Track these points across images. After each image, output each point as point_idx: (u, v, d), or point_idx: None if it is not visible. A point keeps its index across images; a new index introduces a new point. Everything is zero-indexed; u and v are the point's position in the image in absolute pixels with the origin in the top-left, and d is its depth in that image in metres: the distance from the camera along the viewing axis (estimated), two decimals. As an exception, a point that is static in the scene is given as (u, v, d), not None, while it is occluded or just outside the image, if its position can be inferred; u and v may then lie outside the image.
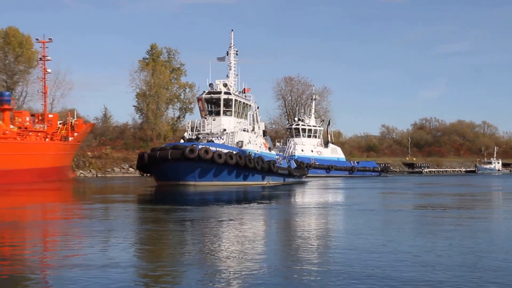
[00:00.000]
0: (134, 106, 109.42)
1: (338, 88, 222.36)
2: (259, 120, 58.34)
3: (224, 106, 52.79)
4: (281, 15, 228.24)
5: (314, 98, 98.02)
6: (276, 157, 58.14)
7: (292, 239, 15.79)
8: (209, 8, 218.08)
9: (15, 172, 56.08)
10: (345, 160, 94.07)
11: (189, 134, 52.79)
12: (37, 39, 74.07)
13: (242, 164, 47.85)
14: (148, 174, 52.45)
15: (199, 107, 55.61)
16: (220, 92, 52.89)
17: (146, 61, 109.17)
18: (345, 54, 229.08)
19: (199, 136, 51.79)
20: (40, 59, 74.17)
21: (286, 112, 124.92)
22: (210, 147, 46.82)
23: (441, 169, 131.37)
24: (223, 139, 51.31)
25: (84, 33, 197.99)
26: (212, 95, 53.26)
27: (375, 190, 45.77)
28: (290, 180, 58.98)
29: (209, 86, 54.24)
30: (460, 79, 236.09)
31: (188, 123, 54.78)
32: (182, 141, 52.04)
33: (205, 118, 53.20)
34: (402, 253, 12.92)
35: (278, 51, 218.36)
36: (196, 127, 53.14)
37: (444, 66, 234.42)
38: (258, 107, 58.72)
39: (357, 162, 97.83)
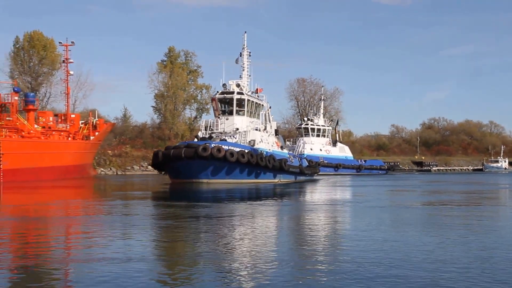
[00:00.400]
0: (153, 106, 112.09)
1: (349, 89, 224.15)
2: (271, 119, 59.05)
3: (237, 105, 53.63)
4: (293, 19, 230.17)
5: (323, 98, 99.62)
6: (288, 155, 59.08)
7: (303, 235, 15.87)
8: (224, 12, 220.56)
9: (39, 170, 58.18)
10: (352, 158, 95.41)
11: (202, 133, 53.72)
12: (60, 42, 76.14)
13: (253, 162, 48.60)
14: (163, 172, 53.37)
15: (213, 107, 56.82)
16: (233, 92, 53.81)
17: (164, 63, 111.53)
18: (356, 57, 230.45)
19: (213, 135, 52.49)
20: (63, 61, 76.19)
21: (299, 112, 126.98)
22: (223, 146, 47.59)
23: (449, 168, 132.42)
24: (235, 138, 52.07)
25: (105, 36, 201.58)
26: (225, 95, 54.16)
27: (384, 188, 45.92)
28: (302, 178, 59.63)
29: (223, 87, 55.23)
30: (467, 80, 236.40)
31: (202, 123, 56.11)
32: (195, 140, 52.91)
33: (219, 117, 54.08)
34: (414, 249, 13.06)
35: (291, 53, 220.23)
36: (210, 126, 54.15)
37: (451, 68, 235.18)
38: (270, 107, 59.63)
39: (365, 161, 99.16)
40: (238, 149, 48.16)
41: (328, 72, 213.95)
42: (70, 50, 74.34)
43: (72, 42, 74.44)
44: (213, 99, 56.47)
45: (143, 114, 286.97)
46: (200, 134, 53.91)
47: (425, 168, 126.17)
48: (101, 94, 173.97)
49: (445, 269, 10.70)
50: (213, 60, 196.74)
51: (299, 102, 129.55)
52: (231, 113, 54.01)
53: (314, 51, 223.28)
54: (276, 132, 59.98)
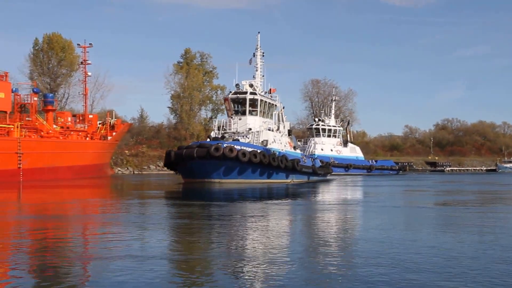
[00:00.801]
0: (169, 107, 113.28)
1: (362, 89, 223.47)
2: (284, 119, 58.81)
3: (250, 106, 53.46)
4: (308, 20, 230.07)
5: (334, 99, 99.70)
6: (301, 156, 59.07)
7: (319, 235, 15.83)
8: (239, 13, 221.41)
9: (58, 169, 59.35)
10: (363, 159, 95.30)
11: (215, 133, 53.66)
12: (78, 44, 77.23)
13: (266, 162, 48.35)
14: (176, 172, 53.44)
15: (226, 107, 56.96)
16: (246, 92, 53.73)
17: (181, 64, 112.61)
18: (370, 56, 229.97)
19: (225, 135, 52.45)
20: (81, 63, 77.41)
21: (313, 113, 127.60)
22: (235, 146, 47.51)
23: (462, 168, 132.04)
24: (248, 138, 51.93)
25: (123, 38, 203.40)
26: (238, 95, 54.05)
27: (398, 188, 46.04)
28: (315, 178, 59.33)
29: (236, 87, 55.16)
30: (481, 81, 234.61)
31: (215, 123, 56.18)
32: (208, 140, 52.99)
33: (231, 117, 54.05)
34: (428, 247, 13.21)
35: (305, 54, 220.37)
36: (223, 126, 54.11)
37: (464, 68, 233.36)
38: (283, 107, 59.39)
39: (375, 161, 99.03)
40: (250, 149, 47.99)
41: (342, 72, 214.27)
42: (88, 52, 75.58)
43: (90, 44, 75.52)
44: (226, 99, 56.42)
45: (160, 114, 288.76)
46: (213, 134, 53.95)
47: (439, 168, 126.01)
48: (118, 94, 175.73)
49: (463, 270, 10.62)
50: (228, 62, 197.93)
51: (313, 103, 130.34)
52: (244, 113, 53.91)
53: (329, 51, 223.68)
54: (289, 132, 59.80)
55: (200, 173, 47.99)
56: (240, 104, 54.52)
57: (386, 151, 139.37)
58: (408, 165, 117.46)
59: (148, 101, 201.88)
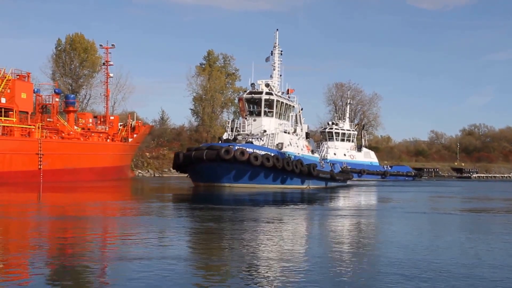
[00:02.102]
0: (191, 109, 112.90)
1: (388, 93, 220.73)
2: (302, 121, 56.27)
3: (265, 106, 50.98)
4: (333, 22, 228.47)
5: (348, 102, 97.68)
6: (319, 160, 56.70)
7: (343, 240, 15.89)
8: (264, 15, 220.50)
9: (78, 171, 59.06)
10: (378, 164, 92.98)
11: (228, 134, 51.20)
12: (101, 45, 77.14)
13: (279, 166, 45.81)
14: (187, 174, 51.35)
15: (240, 107, 54.46)
16: (261, 92, 51.14)
17: (203, 66, 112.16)
18: (396, 60, 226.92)
19: (238, 136, 50.19)
20: (103, 64, 77.18)
21: (337, 117, 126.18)
22: (247, 149, 44.97)
23: (489, 175, 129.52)
24: (263, 141, 49.56)
25: (146, 39, 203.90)
26: (253, 95, 51.43)
27: (421, 194, 45.17)
28: (333, 184, 56.87)
29: (251, 86, 52.94)
30: (509, 86, 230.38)
31: (228, 124, 53.46)
32: (220, 141, 50.53)
33: (246, 118, 51.59)
34: (458, 253, 13.36)
35: (330, 56, 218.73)
36: (236, 127, 51.54)
37: (493, 73, 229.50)
38: (302, 108, 57.06)
39: (390, 166, 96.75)
40: (263, 152, 45.60)
41: (368, 76, 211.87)
42: (110, 53, 75.46)
43: (112, 45, 75.50)
44: (240, 99, 54.05)
45: (181, 116, 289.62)
46: (225, 136, 51.56)
47: (465, 175, 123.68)
48: (140, 96, 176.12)
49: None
50: (251, 64, 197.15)
51: (337, 107, 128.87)
52: (259, 114, 51.28)
53: (354, 54, 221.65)
54: (307, 135, 57.08)
55: (209, 177, 45.78)
56: (255, 105, 51.96)
57: (411, 157, 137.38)
58: (434, 171, 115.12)
59: (170, 103, 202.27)
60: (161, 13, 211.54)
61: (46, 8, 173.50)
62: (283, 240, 15.24)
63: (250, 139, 49.39)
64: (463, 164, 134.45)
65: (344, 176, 61.62)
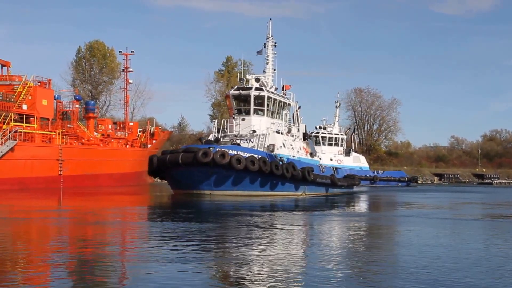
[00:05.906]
0: (210, 115, 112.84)
1: (408, 99, 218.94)
2: (300, 121, 51.19)
3: (255, 104, 45.11)
4: (353, 29, 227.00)
5: (338, 105, 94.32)
6: (318, 163, 51.59)
7: (359, 248, 15.50)
8: (284, 22, 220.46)
9: (98, 176, 59.47)
10: (368, 169, 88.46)
11: (214, 135, 45.61)
12: (120, 51, 77.49)
13: (267, 171, 40.13)
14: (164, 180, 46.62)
15: (227, 105, 49.16)
16: (250, 88, 45.17)
17: (222, 72, 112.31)
18: (417, 66, 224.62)
19: (225, 138, 44.83)
20: (123, 70, 77.47)
21: (356, 122, 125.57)
22: (229, 151, 39.51)
23: (511, 181, 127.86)
24: (252, 142, 44.09)
25: (165, 46, 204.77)
26: (241, 91, 45.35)
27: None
28: (335, 190, 51.23)
29: (239, 81, 47.96)
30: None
31: (214, 124, 47.72)
32: (201, 143, 44.98)
33: (233, 117, 45.92)
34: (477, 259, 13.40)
35: (350, 62, 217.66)
36: (224, 127, 46.01)
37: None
38: (299, 107, 51.90)
39: (382, 172, 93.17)
40: (247, 155, 40.04)
41: (387, 82, 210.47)
42: (129, 59, 75.86)
43: (132, 51, 75.92)
44: (227, 96, 48.10)
45: (200, 122, 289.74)
46: (211, 137, 45.71)
47: (486, 180, 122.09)
48: (159, 102, 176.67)
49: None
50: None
51: (356, 112, 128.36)
52: (248, 112, 45.41)
53: (375, 60, 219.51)
54: (305, 136, 51.30)
55: (187, 183, 40.68)
56: (243, 102, 46.03)
57: (431, 162, 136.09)
58: (455, 177, 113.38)
59: (189, 108, 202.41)
60: (181, 20, 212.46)
61: (67, 13, 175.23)
62: (301, 248, 14.98)
63: (238, 141, 43.99)
64: (484, 170, 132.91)
65: (348, 181, 55.06)
